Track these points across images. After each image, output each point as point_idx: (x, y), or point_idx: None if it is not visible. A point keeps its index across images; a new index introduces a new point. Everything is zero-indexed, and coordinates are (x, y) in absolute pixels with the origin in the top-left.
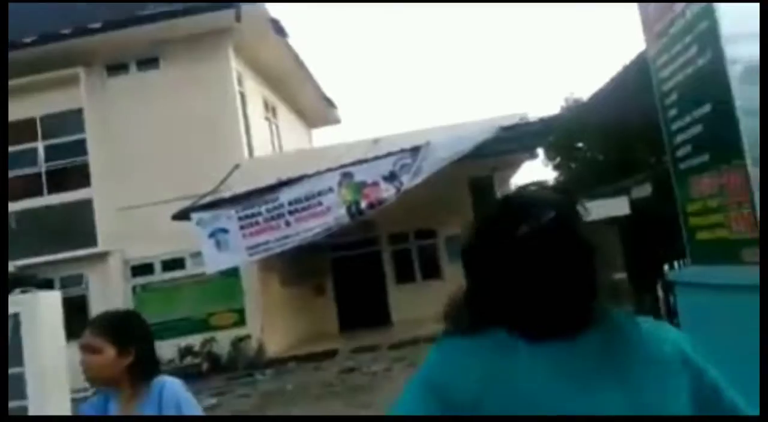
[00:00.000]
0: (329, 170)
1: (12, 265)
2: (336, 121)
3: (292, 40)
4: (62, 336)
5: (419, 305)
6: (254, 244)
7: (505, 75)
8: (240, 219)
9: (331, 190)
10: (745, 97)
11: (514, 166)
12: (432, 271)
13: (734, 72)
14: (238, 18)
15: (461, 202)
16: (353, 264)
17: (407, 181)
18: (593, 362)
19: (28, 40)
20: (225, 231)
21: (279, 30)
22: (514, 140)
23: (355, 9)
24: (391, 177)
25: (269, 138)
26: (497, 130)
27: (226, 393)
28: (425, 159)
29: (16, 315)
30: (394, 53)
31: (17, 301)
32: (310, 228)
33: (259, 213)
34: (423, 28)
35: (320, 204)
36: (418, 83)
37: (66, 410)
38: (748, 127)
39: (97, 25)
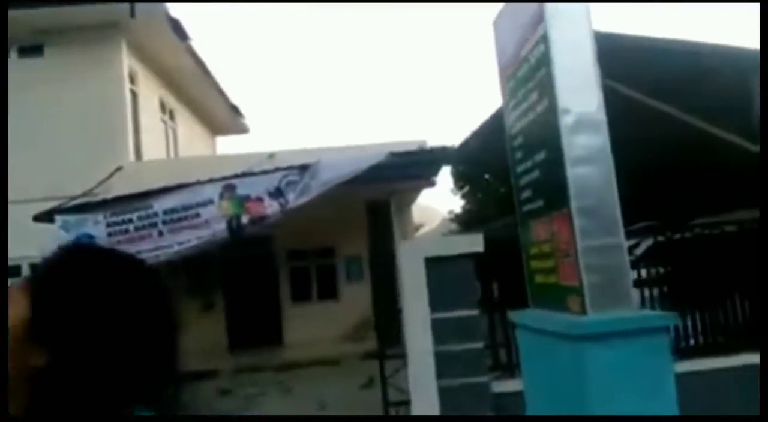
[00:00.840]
0: (211, 181)
1: None
2: (243, 130)
3: (205, 47)
4: None
5: (313, 326)
6: None
7: (436, 103)
8: (108, 225)
9: (211, 201)
10: (574, 146)
11: (413, 191)
12: (329, 291)
13: (566, 122)
14: (132, 13)
15: (359, 224)
16: (248, 280)
17: (293, 199)
18: None
19: None
20: (91, 237)
21: (179, 31)
22: (409, 167)
23: (285, 27)
24: (276, 193)
25: (164, 142)
26: (386, 156)
27: None
28: (313, 178)
29: None
30: (321, 71)
31: None
32: (185, 240)
33: (130, 221)
34: (350, 53)
35: (198, 215)
36: (342, 103)
37: None
38: (576, 176)
39: None
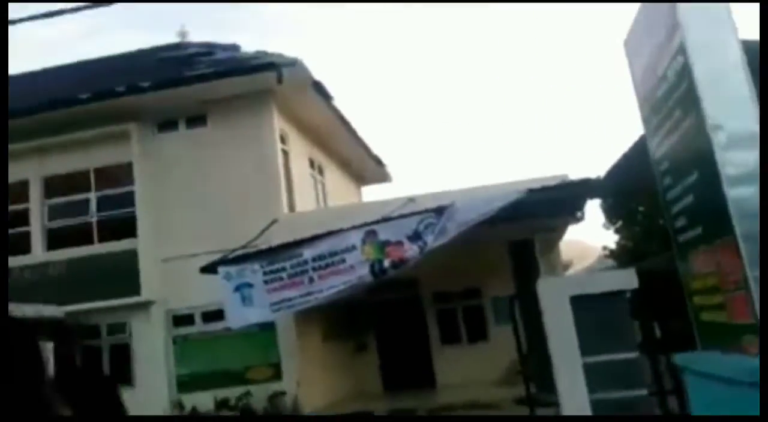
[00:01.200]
0: (353, 228)
1: (61, 311)
2: (386, 179)
3: (341, 102)
4: None
5: (464, 368)
6: (278, 300)
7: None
8: (265, 273)
9: (354, 247)
10: (730, 164)
11: (558, 228)
12: (478, 333)
13: (718, 138)
14: (279, 80)
15: (505, 264)
16: (398, 322)
17: (431, 242)
18: None
19: (83, 96)
20: (250, 285)
21: (322, 92)
22: (549, 203)
23: (414, 73)
24: (414, 236)
25: (314, 195)
26: (524, 193)
27: None
28: (449, 219)
29: None
30: (457, 113)
31: None
32: (333, 285)
33: (284, 269)
34: (484, 90)
35: (344, 261)
36: (480, 143)
37: None
38: (737, 197)
39: (146, 84)
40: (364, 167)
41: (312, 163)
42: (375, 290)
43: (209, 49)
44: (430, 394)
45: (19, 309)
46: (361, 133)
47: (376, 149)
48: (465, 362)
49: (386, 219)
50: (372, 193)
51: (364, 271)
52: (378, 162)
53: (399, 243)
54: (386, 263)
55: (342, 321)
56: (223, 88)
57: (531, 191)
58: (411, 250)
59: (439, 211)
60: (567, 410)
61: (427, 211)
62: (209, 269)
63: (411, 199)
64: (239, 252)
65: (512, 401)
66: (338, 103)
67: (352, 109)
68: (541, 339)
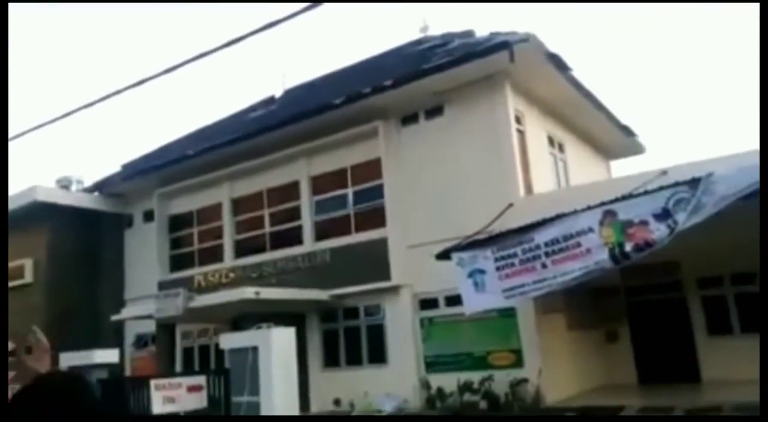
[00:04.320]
0: (589, 208)
1: (327, 294)
2: (638, 151)
3: (580, 72)
4: (294, 367)
5: (736, 362)
6: (510, 287)
7: None
8: (496, 260)
9: (591, 229)
10: None
11: None
12: (755, 323)
13: None
14: (511, 58)
15: None
16: (654, 310)
17: (683, 220)
18: None
19: (338, 101)
20: (482, 272)
21: (558, 64)
22: None
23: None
24: (663, 214)
25: (554, 174)
26: None
27: None
28: (706, 193)
29: (254, 348)
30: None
31: (255, 336)
32: (567, 271)
33: (515, 255)
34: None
35: (579, 245)
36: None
37: None
38: None
39: (389, 82)
40: (612, 139)
41: (551, 141)
42: (627, 275)
43: (445, 39)
44: (692, 391)
45: (296, 294)
46: (608, 102)
47: (626, 118)
48: (737, 356)
49: (627, 197)
50: (624, 167)
51: (602, 256)
52: (627, 132)
53: (644, 223)
54: (628, 246)
55: (589, 308)
56: (456, 76)
57: None
58: (658, 231)
59: (694, 183)
60: None
61: (678, 184)
62: (443, 255)
63: (663, 172)
64: (472, 239)
65: None
66: (580, 73)
67: (598, 79)
68: None
